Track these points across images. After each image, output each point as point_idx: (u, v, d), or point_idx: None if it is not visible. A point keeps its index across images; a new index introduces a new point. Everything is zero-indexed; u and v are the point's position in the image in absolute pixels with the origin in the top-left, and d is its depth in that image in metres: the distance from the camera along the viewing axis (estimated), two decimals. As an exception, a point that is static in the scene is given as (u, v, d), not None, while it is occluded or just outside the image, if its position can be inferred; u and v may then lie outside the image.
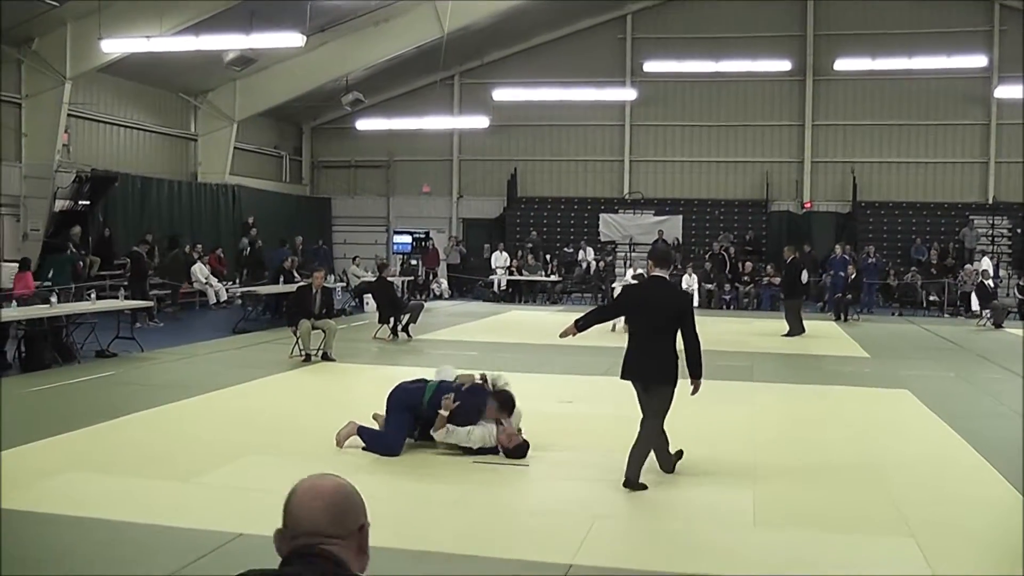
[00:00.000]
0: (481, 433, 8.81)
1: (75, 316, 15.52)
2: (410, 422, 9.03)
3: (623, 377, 8.16)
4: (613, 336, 20.12)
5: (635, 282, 22.37)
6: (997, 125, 31.75)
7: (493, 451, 8.79)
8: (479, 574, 6.04)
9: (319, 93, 31.46)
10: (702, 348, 7.99)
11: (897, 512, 7.36)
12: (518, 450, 8.84)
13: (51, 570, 5.81)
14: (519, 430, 9.01)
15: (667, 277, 8.35)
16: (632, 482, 7.74)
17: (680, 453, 8.48)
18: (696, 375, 7.97)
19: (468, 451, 8.76)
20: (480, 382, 9.26)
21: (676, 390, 7.98)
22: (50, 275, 20.40)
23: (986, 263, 27.69)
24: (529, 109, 33.85)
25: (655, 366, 7.93)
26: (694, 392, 7.99)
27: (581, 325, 8.43)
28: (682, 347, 7.92)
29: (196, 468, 8.26)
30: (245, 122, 31.34)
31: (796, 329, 20.82)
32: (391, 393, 9.23)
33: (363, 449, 8.87)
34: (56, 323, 14.83)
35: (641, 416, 8.07)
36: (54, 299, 15.23)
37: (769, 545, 6.58)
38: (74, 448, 9.11)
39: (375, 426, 9.25)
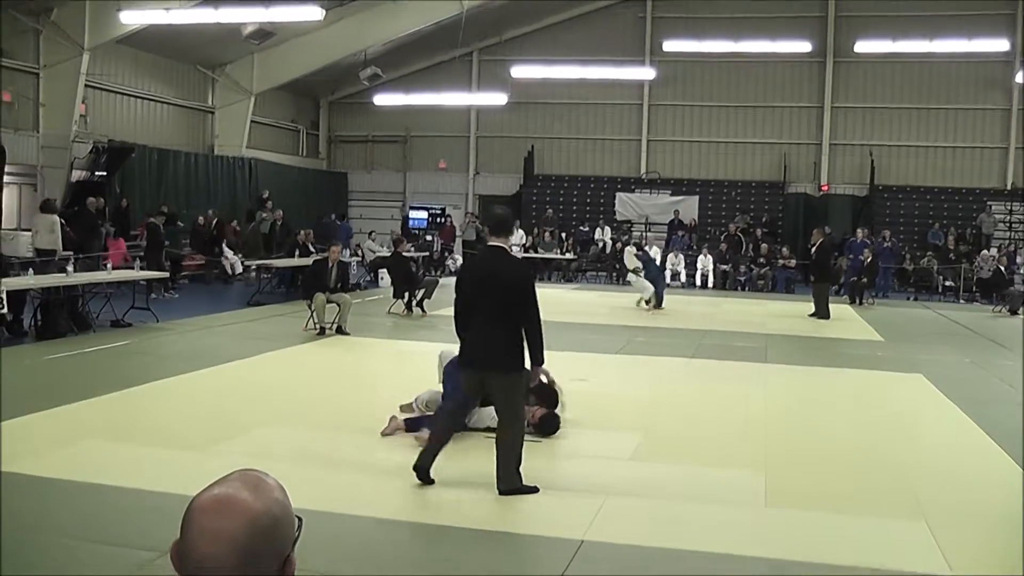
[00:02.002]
0: (491, 414, 8.77)
1: (91, 286, 15.59)
2: None
3: (459, 363, 7.31)
4: (627, 314, 20.16)
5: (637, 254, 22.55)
6: (1018, 110, 31.49)
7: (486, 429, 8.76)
8: (491, 549, 6.07)
9: (337, 67, 31.38)
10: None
11: (909, 495, 7.36)
12: (544, 423, 8.74)
13: (71, 536, 5.86)
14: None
15: (507, 248, 7.20)
16: (517, 490, 6.93)
17: (535, 489, 7.03)
18: (536, 360, 7.00)
19: (491, 429, 8.69)
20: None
21: (524, 381, 7.13)
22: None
23: None
24: (547, 87, 33.71)
25: (494, 350, 6.91)
26: (533, 381, 7.29)
27: (460, 333, 7.27)
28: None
29: (212, 438, 8.30)
30: (262, 95, 31.30)
31: (823, 313, 20.60)
32: (445, 368, 8.92)
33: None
34: (72, 292, 14.89)
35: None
36: (70, 268, 15.28)
37: (780, 525, 6.59)
38: (91, 416, 9.17)
39: (405, 415, 8.97)
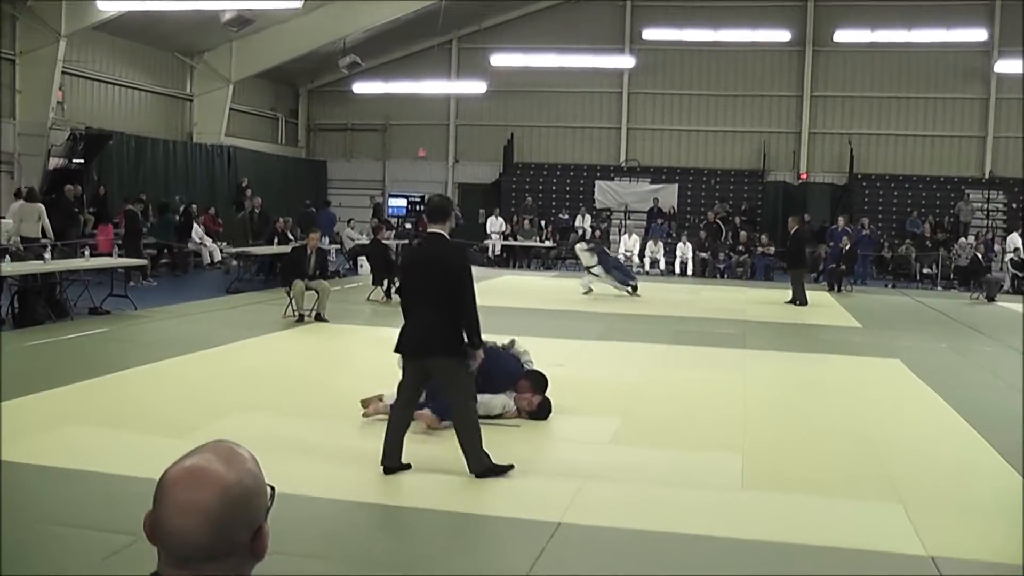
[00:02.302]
0: (503, 401, 8.83)
1: (68, 273, 15.52)
2: None
3: (396, 350, 7.22)
4: (607, 301, 20.20)
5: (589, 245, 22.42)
6: (996, 100, 31.65)
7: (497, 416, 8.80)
8: (467, 532, 6.09)
9: (316, 55, 31.29)
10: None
11: (885, 478, 7.41)
12: (542, 409, 8.90)
13: (48, 520, 5.84)
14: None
15: (445, 234, 7.15)
16: (490, 469, 6.95)
17: (509, 467, 7.10)
18: (473, 344, 7.00)
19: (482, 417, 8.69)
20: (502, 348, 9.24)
21: (464, 365, 7.04)
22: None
23: (1015, 239, 27.54)
24: (527, 75, 33.67)
25: (433, 335, 6.90)
26: (472, 365, 7.13)
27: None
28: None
29: (191, 424, 8.27)
30: (241, 83, 31.16)
31: (801, 299, 20.78)
32: None
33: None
34: (50, 279, 14.81)
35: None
36: (47, 255, 15.20)
37: (756, 507, 6.62)
38: (69, 402, 9.13)
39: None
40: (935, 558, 5.64)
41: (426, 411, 8.08)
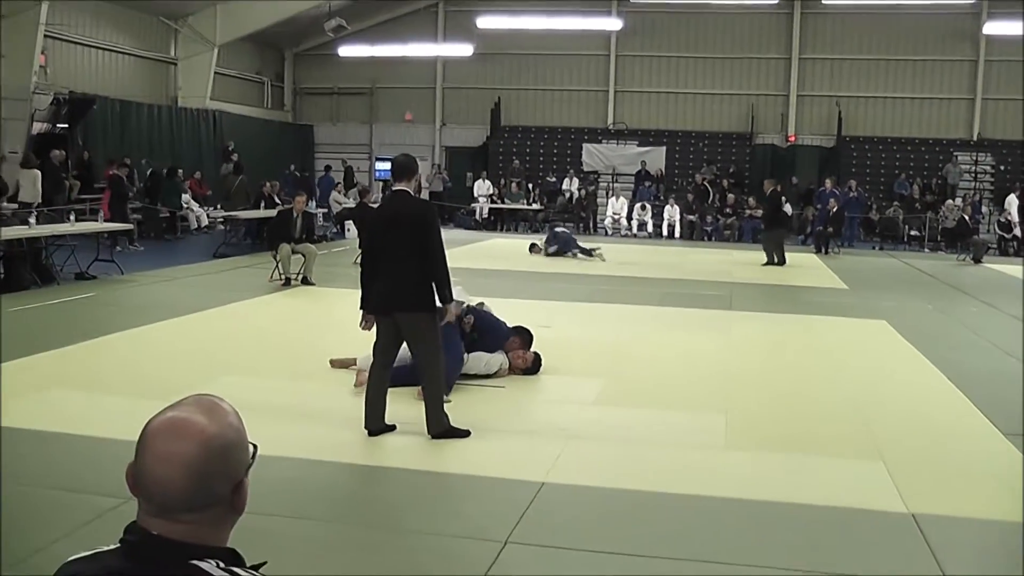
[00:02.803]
0: (500, 360, 8.90)
1: (54, 238, 15.47)
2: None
3: (366, 309, 7.19)
4: (592, 265, 20.24)
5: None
6: (985, 62, 31.59)
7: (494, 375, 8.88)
8: (452, 491, 6.12)
9: (302, 19, 31.09)
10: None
11: (868, 437, 7.45)
12: (535, 365, 9.13)
13: (33, 483, 5.85)
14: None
15: (410, 191, 7.20)
16: (448, 432, 7.00)
17: (466, 432, 7.09)
18: (443, 298, 7.01)
19: (473, 377, 8.76)
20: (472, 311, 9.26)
21: (434, 321, 7.02)
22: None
23: (1013, 200, 27.57)
24: (514, 38, 33.50)
25: (402, 290, 6.89)
26: (444, 320, 7.20)
27: (363, 282, 7.26)
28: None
29: (178, 387, 8.14)
30: (226, 47, 30.92)
31: (778, 259, 20.93)
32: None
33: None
34: (35, 244, 14.76)
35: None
36: (33, 220, 15.14)
37: (738, 466, 6.67)
38: (56, 366, 9.13)
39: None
40: (916, 515, 5.70)
41: None
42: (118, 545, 1.76)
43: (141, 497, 1.76)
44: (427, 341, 6.98)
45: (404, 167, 7.22)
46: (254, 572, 1.78)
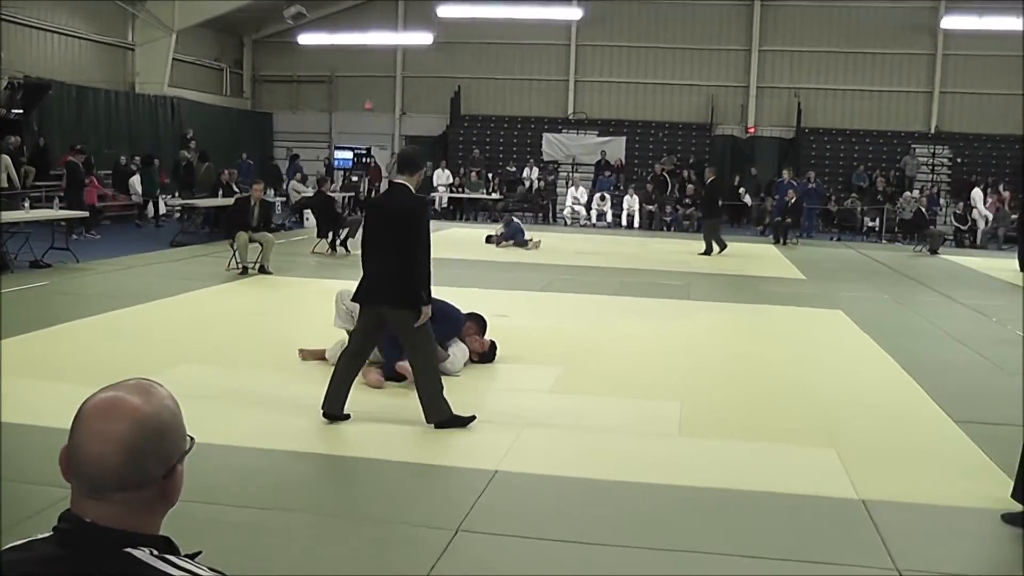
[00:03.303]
0: (463, 352, 8.87)
1: (8, 225, 15.27)
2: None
3: (354, 299, 7.20)
4: (552, 254, 20.26)
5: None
6: (943, 55, 31.91)
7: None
8: (405, 480, 6.11)
9: (261, 5, 30.91)
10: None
11: (821, 426, 7.52)
12: (491, 350, 9.16)
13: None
14: None
15: (410, 186, 7.02)
16: (451, 420, 6.93)
17: (472, 418, 7.07)
18: (420, 299, 6.83)
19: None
20: None
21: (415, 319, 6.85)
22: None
23: (977, 193, 27.83)
24: (474, 26, 33.39)
25: (388, 283, 6.84)
26: (416, 322, 6.85)
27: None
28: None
29: (133, 375, 8.12)
30: (184, 32, 30.66)
31: (718, 247, 21.15)
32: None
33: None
34: (-12, 232, 14.59)
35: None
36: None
37: (691, 454, 6.72)
38: (9, 355, 9.00)
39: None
40: (865, 501, 5.76)
41: (374, 369, 8.08)
42: (51, 533, 1.75)
43: (74, 479, 1.74)
44: (415, 334, 6.92)
45: (407, 161, 7.29)
46: (188, 560, 1.77)
